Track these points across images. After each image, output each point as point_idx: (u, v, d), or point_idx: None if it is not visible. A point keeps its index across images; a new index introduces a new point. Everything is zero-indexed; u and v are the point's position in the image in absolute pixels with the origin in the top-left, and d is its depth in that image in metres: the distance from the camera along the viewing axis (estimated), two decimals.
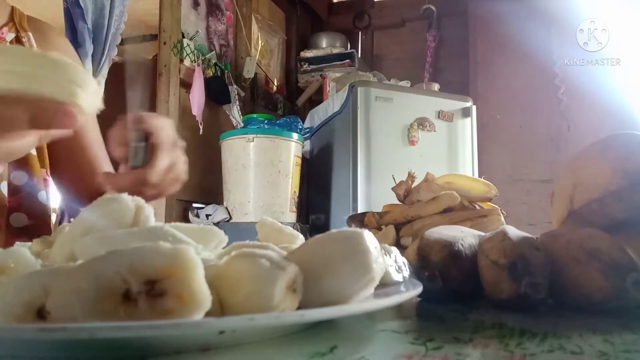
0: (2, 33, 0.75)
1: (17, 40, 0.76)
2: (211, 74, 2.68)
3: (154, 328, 0.22)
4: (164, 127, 0.58)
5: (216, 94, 2.66)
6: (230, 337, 0.27)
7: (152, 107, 2.42)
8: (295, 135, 2.49)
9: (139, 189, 0.54)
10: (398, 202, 0.93)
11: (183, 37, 2.52)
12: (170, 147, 0.59)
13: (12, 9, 0.79)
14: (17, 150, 0.42)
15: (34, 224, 0.72)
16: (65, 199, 0.86)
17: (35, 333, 0.23)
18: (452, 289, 0.42)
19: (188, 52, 2.51)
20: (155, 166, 0.56)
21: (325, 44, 3.58)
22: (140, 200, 0.35)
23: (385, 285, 0.40)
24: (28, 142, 0.42)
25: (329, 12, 3.96)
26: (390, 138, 2.54)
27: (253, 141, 2.37)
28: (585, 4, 2.98)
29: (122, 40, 2.17)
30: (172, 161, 0.59)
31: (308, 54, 3.52)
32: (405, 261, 0.45)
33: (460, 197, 0.81)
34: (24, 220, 0.71)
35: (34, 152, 0.71)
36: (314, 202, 2.92)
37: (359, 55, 3.48)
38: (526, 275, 0.37)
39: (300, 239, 0.43)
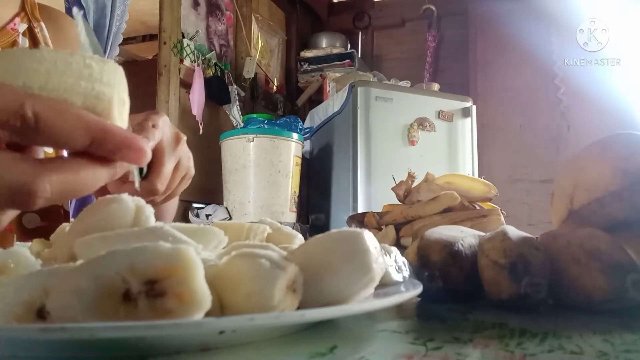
0: (15, 24, 0.72)
1: (30, 30, 0.74)
2: (211, 74, 2.68)
3: (154, 328, 0.22)
4: (159, 125, 0.52)
5: (216, 94, 2.66)
6: (230, 337, 0.27)
7: (152, 107, 2.42)
8: (295, 135, 2.49)
9: (150, 199, 0.51)
10: (398, 202, 0.93)
11: (183, 37, 2.52)
12: (171, 146, 0.55)
13: None
14: (79, 185, 0.30)
15: (47, 226, 0.69)
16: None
17: (35, 333, 0.23)
18: (452, 289, 0.42)
19: (188, 52, 2.51)
20: (161, 173, 0.52)
21: (325, 44, 3.59)
22: (140, 200, 0.35)
23: (385, 285, 0.39)
24: (95, 176, 0.31)
25: (329, 12, 3.96)
26: (390, 138, 2.54)
27: (253, 141, 2.37)
28: (585, 4, 2.98)
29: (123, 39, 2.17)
30: (177, 159, 0.56)
31: (308, 54, 3.52)
32: (405, 261, 0.45)
33: (460, 197, 0.81)
34: (37, 222, 0.70)
35: (48, 149, 0.64)
36: (314, 202, 2.92)
37: (359, 55, 3.49)
38: (526, 275, 0.37)
39: (299, 238, 0.43)
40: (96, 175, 0.31)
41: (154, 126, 0.51)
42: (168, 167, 0.54)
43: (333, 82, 2.97)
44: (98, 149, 0.30)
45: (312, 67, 3.45)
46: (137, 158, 0.31)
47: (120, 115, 0.32)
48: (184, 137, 0.58)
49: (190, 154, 0.60)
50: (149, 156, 0.32)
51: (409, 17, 3.72)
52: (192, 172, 0.61)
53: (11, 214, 0.30)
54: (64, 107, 0.28)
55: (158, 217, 0.70)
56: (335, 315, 0.30)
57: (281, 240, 0.41)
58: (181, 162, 0.57)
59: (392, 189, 0.93)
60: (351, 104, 2.51)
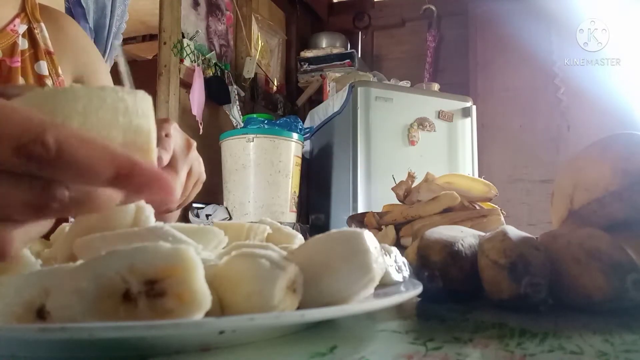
0: (14, 25, 0.72)
1: (29, 32, 0.74)
2: (211, 74, 2.68)
3: (154, 328, 0.22)
4: (171, 134, 0.52)
5: (216, 94, 2.66)
6: (230, 337, 0.27)
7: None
8: (295, 135, 2.49)
9: (165, 207, 0.51)
10: (398, 202, 0.93)
11: (183, 37, 2.52)
12: (183, 153, 0.55)
13: None
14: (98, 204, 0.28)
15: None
16: None
17: (35, 333, 0.23)
18: (452, 289, 0.42)
19: (188, 52, 2.52)
20: (175, 181, 0.52)
21: (325, 44, 3.59)
22: (140, 200, 0.35)
23: (385, 285, 0.40)
24: (111, 197, 0.28)
25: (329, 12, 3.96)
26: (390, 138, 2.54)
27: (253, 141, 2.37)
28: (585, 4, 2.98)
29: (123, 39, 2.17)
30: (189, 166, 0.56)
31: (308, 54, 3.52)
32: (405, 261, 0.45)
33: (460, 197, 0.81)
34: None
35: None
36: (314, 202, 2.92)
37: (359, 55, 3.49)
38: (526, 275, 0.37)
39: (299, 238, 0.43)
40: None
41: (167, 135, 0.51)
42: (182, 174, 0.54)
43: (333, 82, 2.97)
44: (123, 184, 0.27)
45: (312, 67, 3.46)
46: (166, 197, 0.29)
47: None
48: (194, 143, 0.58)
49: (200, 159, 0.60)
50: (178, 195, 0.28)
51: (409, 17, 3.72)
52: (204, 177, 0.61)
53: (43, 225, 0.29)
54: (89, 137, 0.26)
55: (164, 220, 0.69)
56: (335, 315, 0.30)
57: (281, 240, 0.41)
58: (193, 168, 0.57)
59: (392, 189, 0.93)
60: (351, 104, 2.51)
